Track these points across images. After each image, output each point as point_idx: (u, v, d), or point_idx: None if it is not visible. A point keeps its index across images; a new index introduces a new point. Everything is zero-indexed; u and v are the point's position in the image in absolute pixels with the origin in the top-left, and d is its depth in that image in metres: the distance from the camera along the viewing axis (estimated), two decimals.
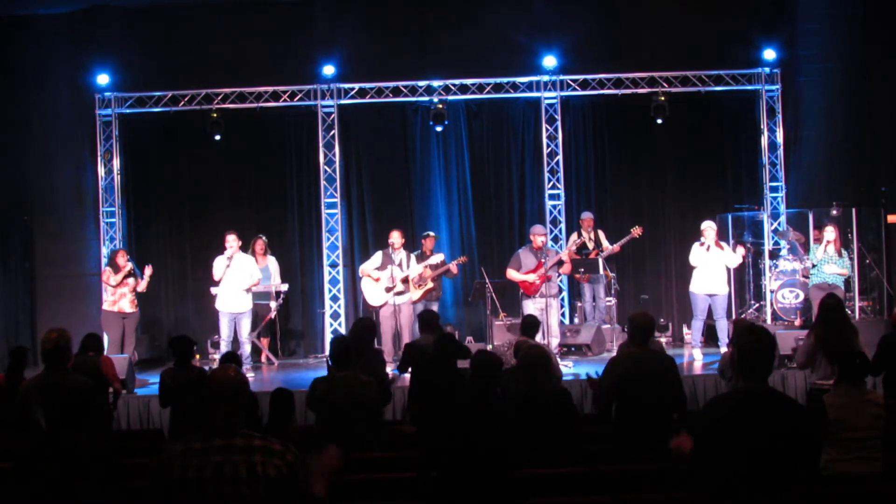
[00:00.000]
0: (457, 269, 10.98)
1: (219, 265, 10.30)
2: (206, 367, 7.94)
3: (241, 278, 10.29)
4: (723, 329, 10.33)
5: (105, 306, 10.63)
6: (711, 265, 10.29)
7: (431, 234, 11.31)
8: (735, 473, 3.39)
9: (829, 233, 10.28)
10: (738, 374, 3.60)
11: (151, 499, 3.09)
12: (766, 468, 3.37)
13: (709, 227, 10.36)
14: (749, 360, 3.53)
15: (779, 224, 12.08)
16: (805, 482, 3.43)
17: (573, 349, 11.13)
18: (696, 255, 10.34)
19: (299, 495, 3.16)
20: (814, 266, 10.43)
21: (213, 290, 10.79)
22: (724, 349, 10.20)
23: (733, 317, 11.66)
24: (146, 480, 3.13)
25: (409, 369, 7.37)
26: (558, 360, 9.96)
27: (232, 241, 10.31)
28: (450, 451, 4.47)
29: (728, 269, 10.75)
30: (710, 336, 10.96)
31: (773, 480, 3.37)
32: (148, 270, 10.68)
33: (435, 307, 11.13)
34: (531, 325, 7.76)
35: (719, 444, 3.45)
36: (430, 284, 10.71)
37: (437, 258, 10.76)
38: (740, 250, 10.78)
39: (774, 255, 11.84)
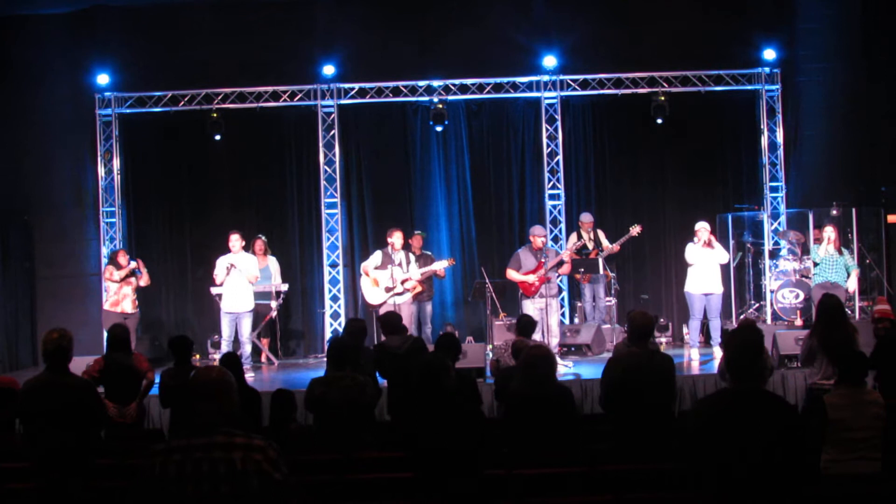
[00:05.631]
0: (443, 271, 10.99)
1: (220, 268, 10.29)
2: None
3: (243, 278, 10.29)
4: (716, 329, 10.38)
5: (106, 306, 10.64)
6: (706, 264, 10.28)
7: (418, 232, 11.33)
8: (727, 475, 3.39)
9: (830, 232, 10.33)
10: (728, 374, 3.61)
11: (134, 496, 3.11)
12: (758, 470, 3.37)
13: (702, 228, 10.36)
14: (737, 361, 3.54)
15: (779, 224, 12.08)
16: (802, 483, 3.43)
17: (573, 349, 11.13)
18: (692, 252, 10.35)
19: (277, 488, 3.16)
20: (816, 265, 10.46)
21: (214, 290, 10.80)
22: (717, 349, 10.22)
23: (732, 317, 11.68)
24: (133, 479, 3.16)
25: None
26: (558, 359, 9.99)
27: (235, 240, 10.30)
28: (422, 449, 4.48)
29: (723, 269, 10.73)
30: (709, 335, 10.96)
31: (766, 482, 3.36)
32: (133, 264, 10.59)
33: (429, 307, 11.16)
34: (528, 325, 7.74)
35: (710, 445, 3.45)
36: (419, 288, 10.68)
37: (440, 265, 10.72)
38: (718, 246, 10.61)
39: (774, 255, 11.84)
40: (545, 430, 5.20)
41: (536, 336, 9.69)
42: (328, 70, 12.11)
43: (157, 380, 6.98)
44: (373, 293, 10.54)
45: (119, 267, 10.50)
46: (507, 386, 6.48)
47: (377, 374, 7.18)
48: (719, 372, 6.94)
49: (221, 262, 10.35)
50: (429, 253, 11.51)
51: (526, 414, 5.23)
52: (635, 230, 11.12)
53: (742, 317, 11.60)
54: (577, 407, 7.15)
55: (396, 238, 10.48)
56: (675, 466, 4.62)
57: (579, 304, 11.92)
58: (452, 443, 4.44)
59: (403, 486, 4.74)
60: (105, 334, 10.56)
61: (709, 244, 10.29)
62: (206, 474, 3.08)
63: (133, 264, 10.53)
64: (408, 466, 4.68)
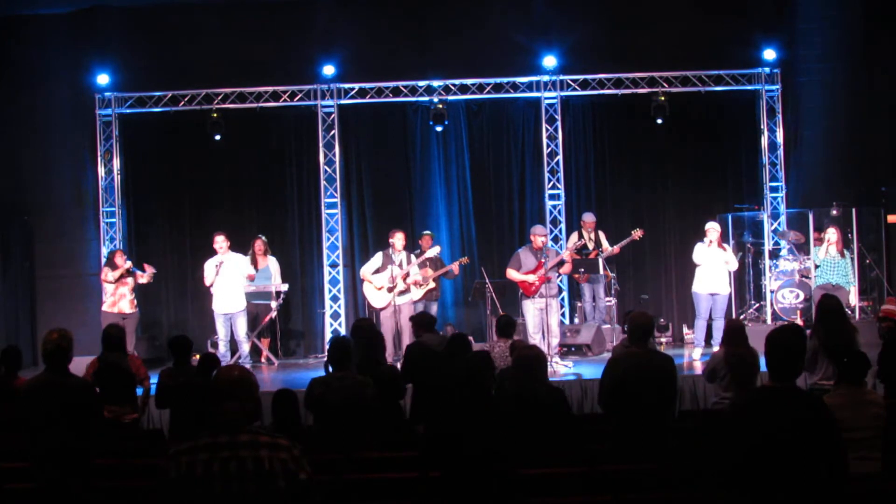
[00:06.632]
0: (458, 269, 11.02)
1: (208, 270, 10.33)
2: None
3: (233, 278, 10.28)
4: (719, 329, 10.33)
5: (104, 307, 10.64)
6: (714, 265, 10.29)
7: (427, 232, 11.35)
8: (766, 473, 3.41)
9: (832, 234, 10.32)
10: (769, 372, 3.61)
11: (159, 495, 3.10)
12: (798, 467, 3.38)
13: (712, 228, 10.39)
14: (781, 361, 3.55)
15: (779, 224, 12.08)
16: (842, 481, 3.47)
17: (573, 349, 11.12)
18: (700, 252, 10.36)
19: (303, 488, 3.16)
20: (817, 267, 10.46)
21: (213, 289, 10.82)
22: (716, 350, 10.20)
23: (733, 317, 11.67)
24: (155, 477, 3.14)
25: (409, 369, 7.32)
26: (558, 359, 9.99)
27: (221, 241, 10.32)
28: (447, 450, 4.47)
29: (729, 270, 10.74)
30: (710, 336, 10.95)
31: (805, 480, 3.38)
32: (150, 270, 10.67)
33: (434, 307, 11.16)
34: (507, 325, 7.73)
35: (751, 443, 3.45)
36: (432, 284, 10.73)
37: (434, 251, 10.77)
38: (730, 251, 10.67)
39: (774, 255, 11.85)
40: (536, 430, 5.19)
41: (536, 336, 9.72)
42: (328, 70, 12.11)
43: (156, 380, 6.96)
44: (376, 296, 10.57)
45: (115, 267, 10.50)
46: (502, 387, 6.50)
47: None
48: (711, 370, 6.84)
49: (209, 264, 10.39)
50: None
51: (518, 414, 5.22)
52: (637, 234, 11.11)
53: (742, 317, 11.60)
54: (571, 407, 7.12)
55: (398, 239, 10.54)
56: (674, 466, 4.62)
57: (579, 304, 11.92)
58: (491, 443, 4.42)
59: (405, 486, 4.75)
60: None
61: (720, 245, 10.31)
62: (235, 473, 3.07)
63: (128, 263, 10.54)
64: (428, 467, 4.65)
